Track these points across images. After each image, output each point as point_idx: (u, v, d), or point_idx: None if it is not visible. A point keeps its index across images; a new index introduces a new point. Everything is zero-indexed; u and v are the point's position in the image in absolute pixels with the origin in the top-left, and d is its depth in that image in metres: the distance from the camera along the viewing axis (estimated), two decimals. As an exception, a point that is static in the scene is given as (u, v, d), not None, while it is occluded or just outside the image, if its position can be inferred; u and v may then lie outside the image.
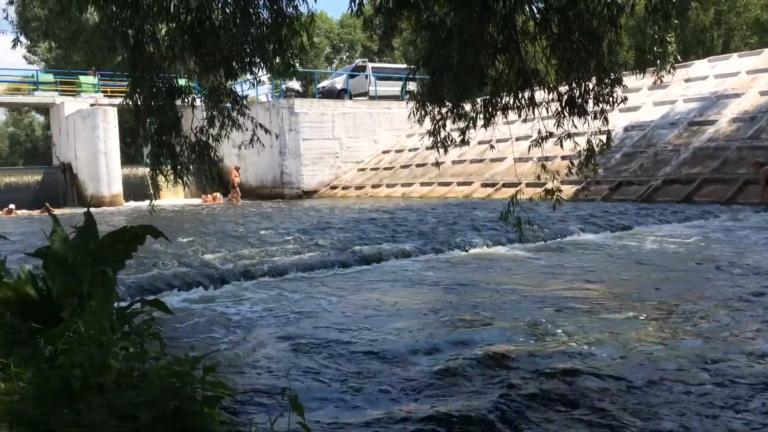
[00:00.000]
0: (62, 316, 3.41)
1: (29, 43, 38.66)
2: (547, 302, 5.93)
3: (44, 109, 33.33)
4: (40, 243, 4.37)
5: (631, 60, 28.63)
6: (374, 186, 24.25)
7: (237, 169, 25.72)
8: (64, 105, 26.19)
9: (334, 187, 25.78)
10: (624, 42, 26.21)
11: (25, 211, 22.01)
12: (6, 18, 8.12)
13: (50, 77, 28.77)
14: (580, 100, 5.33)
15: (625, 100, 5.63)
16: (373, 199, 22.46)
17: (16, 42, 9.19)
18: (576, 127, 5.53)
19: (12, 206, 21.80)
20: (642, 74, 5.99)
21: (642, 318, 5.26)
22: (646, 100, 20.09)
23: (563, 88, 5.46)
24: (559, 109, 5.46)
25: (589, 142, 5.59)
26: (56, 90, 27.51)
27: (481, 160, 21.22)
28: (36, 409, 2.55)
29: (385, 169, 25.40)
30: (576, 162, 5.75)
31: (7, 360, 2.85)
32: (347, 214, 15.87)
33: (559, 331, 4.88)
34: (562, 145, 5.62)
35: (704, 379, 3.73)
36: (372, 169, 25.95)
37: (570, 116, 5.45)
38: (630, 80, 8.18)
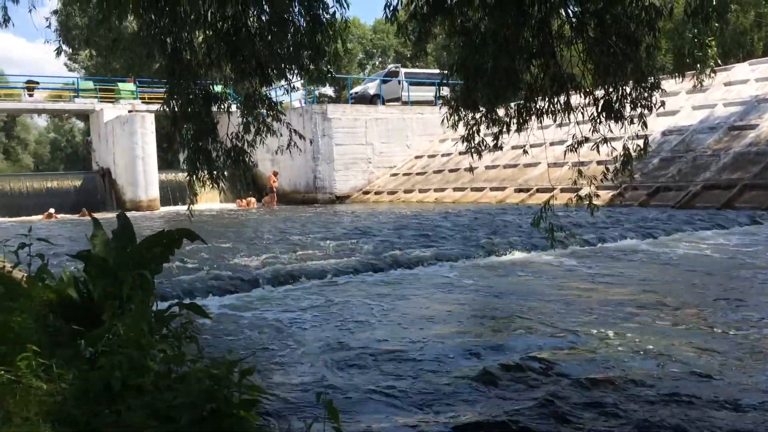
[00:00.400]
0: (103, 319, 3.48)
1: (70, 51, 39.74)
2: (587, 308, 5.84)
3: (84, 116, 34.16)
4: (79, 247, 4.47)
5: (669, 63, 28.14)
6: (407, 191, 24.25)
7: (275, 173, 25.96)
8: (104, 111, 26.78)
9: (366, 192, 25.84)
10: (662, 45, 25.78)
11: (65, 216, 22.54)
12: (48, 26, 8.36)
13: (90, 84, 29.46)
14: (617, 104, 5.26)
15: (663, 104, 5.53)
16: (406, 204, 22.46)
17: (59, 50, 9.48)
18: (612, 132, 5.46)
19: (52, 210, 22.36)
20: (681, 78, 5.88)
21: (688, 327, 5.14)
22: (685, 104, 19.72)
23: (599, 93, 5.39)
24: (595, 114, 5.39)
25: (625, 147, 5.50)
26: (96, 97, 28.14)
27: (515, 165, 21.06)
28: (78, 410, 2.61)
29: (417, 174, 25.38)
30: (612, 167, 5.67)
31: (50, 361, 2.91)
32: (381, 219, 15.90)
33: (600, 338, 4.81)
34: (598, 150, 5.55)
35: (753, 389, 3.61)
36: (404, 174, 25.95)
37: (606, 121, 5.37)
38: (668, 84, 8.05)
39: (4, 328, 3.06)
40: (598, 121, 5.37)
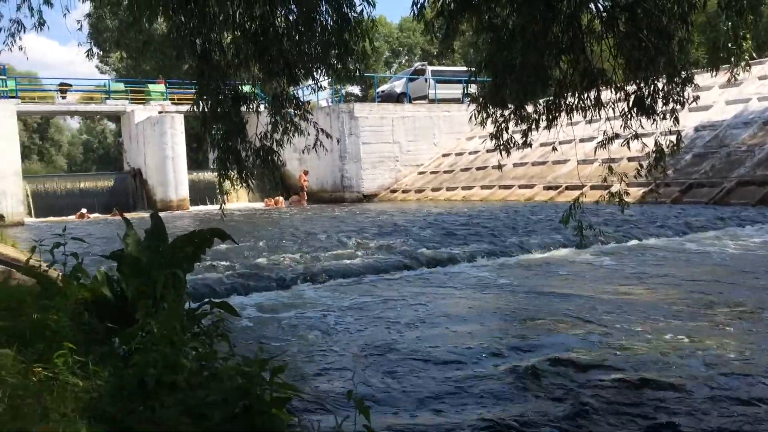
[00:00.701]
0: (136, 317, 3.53)
1: (102, 53, 40.42)
2: (619, 307, 5.75)
3: (115, 117, 34.72)
4: (109, 246, 4.53)
5: (702, 57, 27.61)
6: (434, 189, 24.19)
7: (305, 173, 26.08)
8: (134, 113, 27.18)
9: (394, 191, 25.84)
10: (695, 39, 25.27)
11: (97, 215, 22.94)
12: (80, 29, 8.52)
13: (121, 86, 29.92)
14: (648, 99, 5.18)
15: (697, 99, 5.42)
16: (434, 202, 22.41)
17: (90, 53, 9.68)
18: (643, 128, 5.38)
19: (84, 210, 22.77)
20: (715, 72, 5.78)
21: (722, 326, 5.02)
22: (718, 99, 19.34)
23: (631, 88, 5.31)
24: (627, 110, 5.31)
25: (657, 143, 5.42)
26: (127, 98, 28.57)
27: (544, 163, 20.87)
28: (113, 407, 2.65)
29: (445, 172, 25.30)
30: (645, 163, 5.58)
31: (86, 358, 2.96)
32: (410, 217, 15.89)
33: (642, 338, 4.72)
34: (629, 147, 5.47)
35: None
36: (432, 173, 25.89)
37: (638, 116, 5.30)
38: (701, 78, 7.91)
39: (41, 326, 3.12)
40: (629, 116, 5.30)
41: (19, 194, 21.10)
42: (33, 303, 3.40)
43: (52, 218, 21.96)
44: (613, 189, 5.67)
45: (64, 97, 27.98)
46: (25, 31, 6.86)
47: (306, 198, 25.91)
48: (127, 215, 5.43)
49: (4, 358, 2.63)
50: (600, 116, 5.52)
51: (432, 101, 28.01)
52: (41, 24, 6.94)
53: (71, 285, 3.90)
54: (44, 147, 54.96)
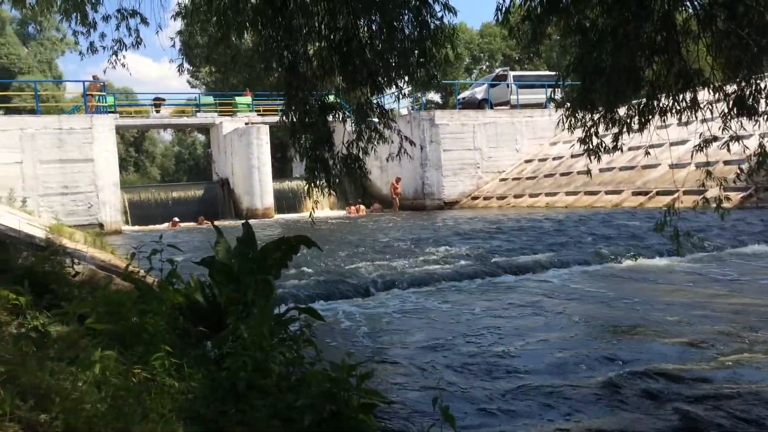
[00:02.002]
0: (227, 322, 3.63)
1: (192, 68, 42.22)
2: (718, 317, 5.46)
3: (205, 129, 36.09)
4: (199, 253, 4.69)
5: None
6: (516, 196, 23.78)
7: (398, 180, 26.26)
8: (222, 124, 28.14)
9: (475, 198, 25.60)
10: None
11: (188, 224, 23.88)
12: (173, 46, 8.90)
13: (210, 99, 31.09)
14: (750, 99, 4.89)
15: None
16: (516, 209, 22.03)
17: (181, 68, 10.16)
18: (745, 129, 5.09)
19: (176, 219, 23.78)
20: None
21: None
22: (824, 98, 18.09)
23: (730, 88, 5.04)
24: (726, 111, 5.04)
25: (762, 144, 5.11)
26: (216, 111, 29.64)
27: (632, 167, 20.12)
28: (206, 409, 2.73)
29: (527, 178, 24.84)
30: (746, 167, 5.27)
31: (181, 361, 3.07)
32: (491, 224, 15.68)
33: (735, 349, 4.47)
34: (729, 149, 5.18)
35: None
36: (514, 179, 25.48)
37: (738, 117, 5.01)
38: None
39: (139, 329, 3.26)
40: (729, 117, 5.02)
41: (117, 204, 22.23)
42: (132, 307, 3.55)
43: (147, 226, 23.04)
44: (710, 194, 5.39)
45: (158, 111, 29.34)
46: (126, 50, 7.22)
47: (399, 205, 25.99)
48: (216, 223, 5.61)
49: (107, 360, 2.76)
50: (696, 118, 5.26)
51: (514, 107, 27.61)
52: (139, 42, 7.30)
53: (167, 290, 4.06)
54: (139, 159, 57.83)
